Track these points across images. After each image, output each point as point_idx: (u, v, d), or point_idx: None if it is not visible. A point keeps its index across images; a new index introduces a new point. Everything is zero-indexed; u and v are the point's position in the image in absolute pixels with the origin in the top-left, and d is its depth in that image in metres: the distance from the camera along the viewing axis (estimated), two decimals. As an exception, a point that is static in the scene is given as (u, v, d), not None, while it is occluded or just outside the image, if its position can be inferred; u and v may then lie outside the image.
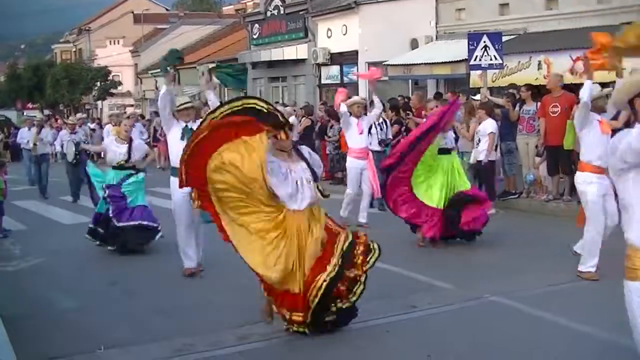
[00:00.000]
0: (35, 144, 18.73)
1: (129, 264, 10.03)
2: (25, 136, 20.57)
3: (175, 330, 6.90)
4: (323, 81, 28.40)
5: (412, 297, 7.64)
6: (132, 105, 51.42)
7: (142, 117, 31.45)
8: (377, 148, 13.39)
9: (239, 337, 6.63)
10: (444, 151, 10.61)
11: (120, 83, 54.46)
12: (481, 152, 12.67)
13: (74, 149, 16.58)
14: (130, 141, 11.01)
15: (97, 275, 9.44)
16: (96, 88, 52.58)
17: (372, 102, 12.51)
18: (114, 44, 62.24)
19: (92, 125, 23.85)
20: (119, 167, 10.81)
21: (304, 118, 19.15)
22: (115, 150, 10.84)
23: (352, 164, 12.30)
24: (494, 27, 18.01)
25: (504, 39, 15.74)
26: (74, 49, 70.80)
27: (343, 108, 11.86)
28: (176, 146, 8.37)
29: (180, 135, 8.70)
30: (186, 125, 8.77)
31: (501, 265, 9.01)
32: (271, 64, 30.91)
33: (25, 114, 53.44)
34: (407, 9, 22.57)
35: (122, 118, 11.36)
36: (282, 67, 30.29)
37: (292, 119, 18.92)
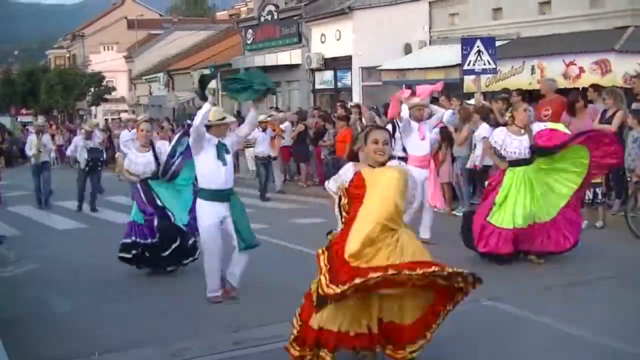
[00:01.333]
0: (39, 151, 17.15)
1: (124, 268, 10.00)
2: (28, 145, 18.82)
3: (170, 335, 6.89)
4: (317, 86, 28.43)
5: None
6: (125, 111, 51.39)
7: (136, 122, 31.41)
8: (402, 154, 12.89)
9: (234, 342, 6.63)
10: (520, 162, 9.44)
11: (114, 89, 54.49)
12: (477, 156, 12.71)
13: (85, 155, 16.17)
14: (153, 147, 9.53)
15: (92, 279, 9.42)
16: (90, 94, 52.54)
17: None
18: (108, 49, 62.23)
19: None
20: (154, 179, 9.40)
21: (298, 123, 19.17)
22: (141, 162, 9.38)
23: (412, 173, 11.23)
24: (487, 32, 18.06)
25: (498, 43, 15.78)
26: (67, 55, 70.73)
27: (405, 112, 10.73)
28: (209, 165, 7.69)
29: (216, 153, 7.70)
30: (219, 142, 7.79)
31: (495, 268, 9.01)
32: (265, 69, 30.77)
33: (19, 119, 53.54)
34: (400, 14, 22.61)
35: (141, 122, 10.02)
36: (276, 72, 30.24)
37: (285, 125, 18.96)
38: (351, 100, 22.74)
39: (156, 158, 9.36)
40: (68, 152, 18.87)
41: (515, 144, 9.34)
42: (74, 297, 8.58)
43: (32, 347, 6.71)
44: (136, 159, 9.41)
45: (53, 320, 7.63)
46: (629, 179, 11.66)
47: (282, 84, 30.56)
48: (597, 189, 11.53)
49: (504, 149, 9.40)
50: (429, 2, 21.94)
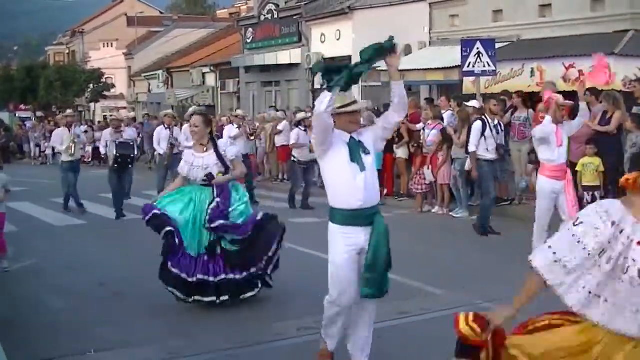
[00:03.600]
0: (74, 142, 15.09)
1: (120, 266, 10.01)
2: (58, 139, 16.10)
3: (165, 333, 6.90)
4: (316, 86, 28.39)
5: (403, 303, 7.62)
6: (124, 108, 51.37)
7: (134, 120, 31.43)
8: (492, 156, 12.00)
9: (229, 341, 6.62)
10: None
11: (113, 85, 54.39)
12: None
13: (114, 151, 14.34)
14: (214, 143, 7.88)
15: (88, 277, 9.39)
16: (89, 90, 52.51)
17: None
18: (108, 46, 62.20)
19: (84, 128, 22.28)
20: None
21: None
22: (200, 164, 7.69)
23: (545, 185, 9.40)
24: (487, 34, 18.05)
25: (497, 45, 15.78)
26: (67, 51, 70.72)
27: (548, 120, 9.42)
28: (339, 173, 5.42)
29: (349, 155, 5.42)
30: (352, 138, 5.49)
31: (493, 271, 9.01)
32: (265, 68, 30.93)
33: (17, 115, 53.49)
34: (401, 14, 22.59)
35: (191, 115, 8.19)
36: (276, 71, 30.30)
37: (284, 124, 18.95)
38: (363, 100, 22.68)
39: (220, 157, 7.75)
40: (102, 149, 16.22)
41: None
42: (71, 294, 8.57)
43: (28, 343, 6.70)
44: (195, 162, 7.73)
45: (49, 317, 7.62)
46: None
47: (282, 83, 30.59)
48: (596, 193, 11.54)
49: None
50: (430, 3, 21.97)
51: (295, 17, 28.80)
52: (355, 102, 5.65)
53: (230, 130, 16.27)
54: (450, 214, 13.59)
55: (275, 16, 30.26)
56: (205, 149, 7.76)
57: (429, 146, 14.01)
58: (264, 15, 31.16)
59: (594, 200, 11.50)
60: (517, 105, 13.86)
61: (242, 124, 16.63)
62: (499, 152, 12.00)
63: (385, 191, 15.18)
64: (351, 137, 5.50)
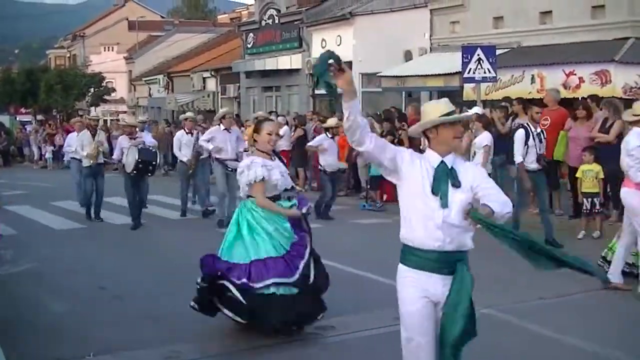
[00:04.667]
0: (99, 149, 14.27)
1: (119, 269, 10.02)
2: (73, 143, 15.84)
3: (163, 337, 6.90)
4: (316, 91, 28.43)
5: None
6: (124, 112, 51.39)
7: (146, 123, 31.31)
8: (534, 166, 11.08)
9: (226, 345, 6.63)
10: None
11: (113, 90, 54.41)
12: (476, 164, 12.69)
13: (136, 156, 13.01)
14: (278, 156, 7.20)
15: (88, 281, 9.40)
16: (90, 94, 52.52)
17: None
18: (109, 50, 62.25)
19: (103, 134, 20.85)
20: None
21: (297, 128, 19.19)
22: (279, 177, 6.86)
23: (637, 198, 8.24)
24: (487, 40, 18.07)
25: (498, 52, 15.80)
26: (68, 55, 70.73)
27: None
28: (417, 206, 4.34)
29: (430, 184, 4.30)
30: (442, 163, 4.33)
31: (492, 277, 9.00)
32: (265, 73, 30.94)
33: (17, 118, 53.50)
34: (401, 20, 22.63)
35: (263, 120, 7.17)
36: (276, 76, 30.31)
37: (284, 129, 18.96)
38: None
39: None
40: (115, 157, 14.35)
41: None
42: (70, 297, 8.57)
43: (28, 346, 6.71)
44: (273, 172, 6.85)
45: (49, 320, 7.62)
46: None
47: (282, 88, 30.61)
48: (595, 199, 11.55)
49: None
50: (430, 10, 21.97)
51: (296, 23, 28.84)
52: (454, 110, 4.39)
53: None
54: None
55: (276, 21, 30.30)
56: (272, 158, 7.00)
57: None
58: (265, 21, 31.20)
59: (593, 206, 11.52)
60: (518, 111, 13.86)
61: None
62: (540, 162, 11.13)
63: (385, 197, 15.24)
64: (442, 161, 4.32)
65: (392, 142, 14.79)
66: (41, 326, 7.40)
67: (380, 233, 11.72)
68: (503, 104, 14.63)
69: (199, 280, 6.77)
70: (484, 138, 12.63)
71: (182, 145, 14.84)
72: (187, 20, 67.84)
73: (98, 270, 10.01)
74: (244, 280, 6.49)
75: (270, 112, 24.25)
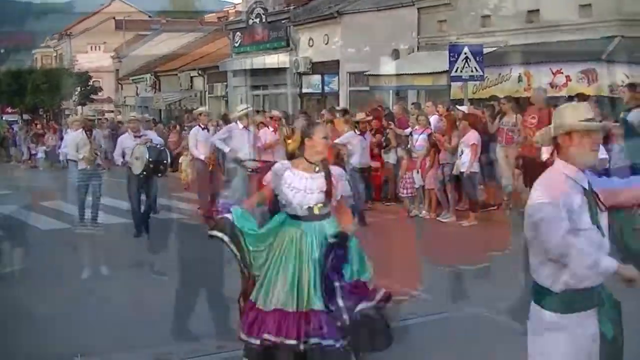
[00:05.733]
0: (95, 152, 12.98)
1: (108, 271, 9.96)
2: (71, 143, 13.92)
3: (153, 339, 6.87)
4: (304, 90, 28.43)
5: (393, 308, 7.62)
6: (111, 112, 51.20)
7: (121, 123, 31.20)
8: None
9: (217, 346, 6.61)
10: None
11: (100, 89, 54.19)
12: (464, 163, 12.75)
13: (147, 155, 11.75)
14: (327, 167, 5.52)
15: (75, 282, 9.34)
16: (76, 93, 52.30)
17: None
18: (95, 49, 61.98)
19: (106, 132, 20.28)
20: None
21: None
22: (311, 187, 5.42)
23: None
24: (475, 39, 18.11)
25: (485, 51, 15.84)
26: (54, 54, 70.37)
27: None
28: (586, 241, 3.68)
29: (589, 213, 3.69)
30: (589, 186, 3.80)
31: (482, 276, 9.03)
32: (252, 72, 30.88)
33: (4, 118, 53.20)
34: (389, 19, 22.64)
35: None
36: (264, 75, 30.27)
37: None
38: (338, 105, 22.74)
39: (329, 182, 5.47)
40: (115, 156, 12.66)
41: None
42: (57, 299, 8.50)
43: (14, 348, 6.66)
44: (300, 183, 5.43)
45: (35, 322, 7.56)
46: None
47: (270, 87, 30.60)
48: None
49: None
50: (418, 8, 21.99)
51: (283, 22, 28.81)
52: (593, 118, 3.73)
53: (265, 135, 13.94)
54: (438, 218, 13.61)
55: (264, 20, 30.24)
56: (316, 168, 5.50)
57: (419, 150, 14.01)
58: (252, 20, 31.13)
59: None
60: (506, 110, 13.88)
61: (279, 127, 14.11)
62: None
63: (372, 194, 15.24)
64: (589, 181, 3.66)
65: (381, 141, 14.84)
66: (27, 328, 7.35)
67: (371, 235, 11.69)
68: (490, 102, 14.66)
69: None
70: (472, 136, 12.67)
71: (199, 142, 13.78)
72: (174, 19, 67.64)
73: (86, 272, 9.95)
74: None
75: (258, 111, 24.21)
